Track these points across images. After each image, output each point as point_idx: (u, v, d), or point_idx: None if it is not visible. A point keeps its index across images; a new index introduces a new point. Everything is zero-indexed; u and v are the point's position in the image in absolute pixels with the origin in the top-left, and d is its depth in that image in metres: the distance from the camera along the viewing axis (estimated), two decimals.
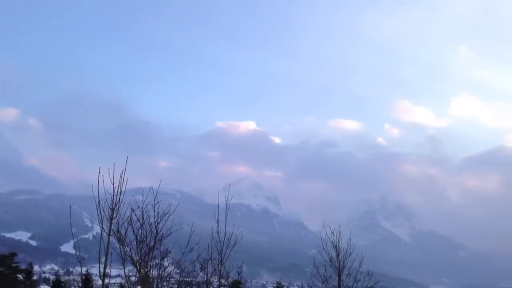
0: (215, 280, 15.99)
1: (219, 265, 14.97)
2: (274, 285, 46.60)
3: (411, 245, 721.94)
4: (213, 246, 14.93)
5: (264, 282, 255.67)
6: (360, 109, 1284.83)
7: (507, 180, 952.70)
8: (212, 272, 14.95)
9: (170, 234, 12.24)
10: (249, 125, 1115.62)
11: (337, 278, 18.11)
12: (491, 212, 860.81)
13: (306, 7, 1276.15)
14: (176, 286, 14.20)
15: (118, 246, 11.80)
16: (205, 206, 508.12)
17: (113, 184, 11.22)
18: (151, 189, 12.21)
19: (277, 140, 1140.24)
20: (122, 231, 11.61)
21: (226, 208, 15.26)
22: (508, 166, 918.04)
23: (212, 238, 14.90)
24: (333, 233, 17.90)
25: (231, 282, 25.05)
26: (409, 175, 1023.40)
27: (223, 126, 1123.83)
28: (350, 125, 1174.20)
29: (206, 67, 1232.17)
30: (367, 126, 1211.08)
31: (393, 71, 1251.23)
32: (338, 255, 17.94)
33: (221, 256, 14.98)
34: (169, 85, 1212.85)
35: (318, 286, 19.58)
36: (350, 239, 18.25)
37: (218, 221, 15.02)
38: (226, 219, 15.28)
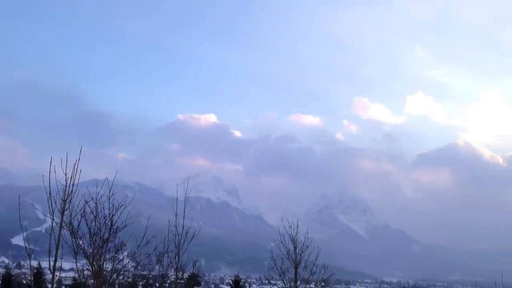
0: (171, 273, 15.87)
1: (176, 258, 14.86)
2: (232, 278, 46.61)
3: (366, 239, 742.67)
4: (170, 239, 14.81)
5: (222, 275, 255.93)
6: (320, 105, 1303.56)
7: (458, 176, 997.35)
8: (169, 265, 14.82)
9: (125, 226, 11.96)
10: (210, 118, 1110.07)
11: (293, 271, 18.38)
12: (443, 207, 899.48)
13: (267, 2, 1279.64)
14: (131, 279, 13.98)
15: (71, 239, 11.45)
16: (164, 199, 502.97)
17: (65, 175, 10.84)
18: (107, 181, 11.89)
19: (237, 133, 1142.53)
20: (75, 224, 11.25)
21: (185, 201, 15.17)
22: (459, 163, 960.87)
23: (169, 231, 14.76)
24: (291, 226, 18.15)
25: (188, 275, 24.92)
26: (366, 170, 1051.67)
27: (184, 118, 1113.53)
28: (310, 120, 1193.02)
29: (168, 59, 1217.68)
30: (326, 121, 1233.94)
31: (352, 68, 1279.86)
32: (295, 248, 18.20)
33: (178, 249, 14.87)
34: (129, 77, 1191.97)
35: (276, 279, 19.82)
36: (307, 232, 18.55)
37: (176, 214, 14.91)
38: (184, 212, 15.18)
